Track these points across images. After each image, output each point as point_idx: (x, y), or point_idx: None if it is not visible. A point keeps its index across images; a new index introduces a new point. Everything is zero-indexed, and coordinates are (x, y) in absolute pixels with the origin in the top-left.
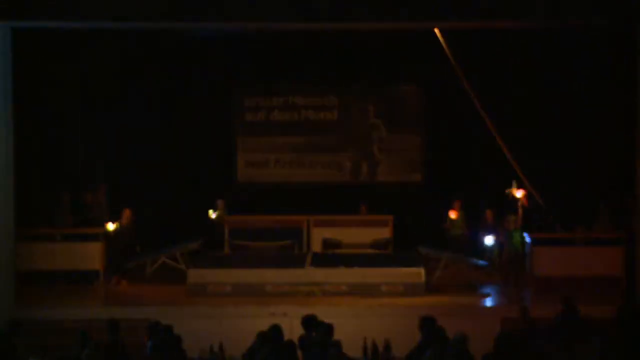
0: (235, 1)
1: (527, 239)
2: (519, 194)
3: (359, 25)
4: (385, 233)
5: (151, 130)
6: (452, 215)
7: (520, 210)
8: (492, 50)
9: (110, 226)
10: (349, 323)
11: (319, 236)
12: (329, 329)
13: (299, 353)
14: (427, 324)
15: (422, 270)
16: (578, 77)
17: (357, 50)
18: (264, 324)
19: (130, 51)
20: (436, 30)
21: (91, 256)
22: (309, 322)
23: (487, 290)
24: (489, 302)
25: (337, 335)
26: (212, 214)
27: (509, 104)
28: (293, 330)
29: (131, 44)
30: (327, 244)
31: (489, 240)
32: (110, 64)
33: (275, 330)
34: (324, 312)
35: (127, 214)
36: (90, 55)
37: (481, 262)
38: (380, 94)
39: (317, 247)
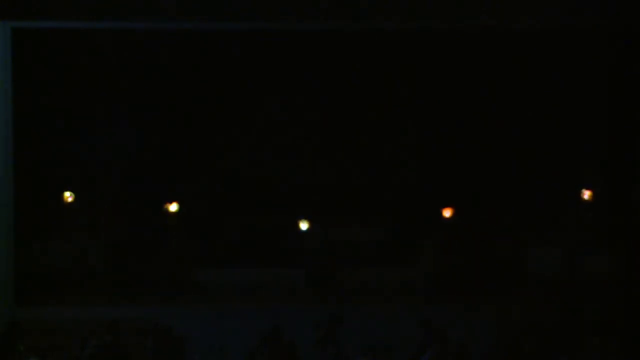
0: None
1: None
2: None
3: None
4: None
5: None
6: None
7: None
8: None
9: None
10: (349, 323)
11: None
12: (329, 329)
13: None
14: (427, 324)
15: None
16: None
17: None
18: (263, 324)
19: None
20: None
21: None
22: (310, 322)
23: None
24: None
25: (337, 334)
26: None
27: None
28: (293, 330)
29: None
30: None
31: None
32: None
33: (275, 330)
34: (324, 312)
35: None
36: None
37: None
38: None
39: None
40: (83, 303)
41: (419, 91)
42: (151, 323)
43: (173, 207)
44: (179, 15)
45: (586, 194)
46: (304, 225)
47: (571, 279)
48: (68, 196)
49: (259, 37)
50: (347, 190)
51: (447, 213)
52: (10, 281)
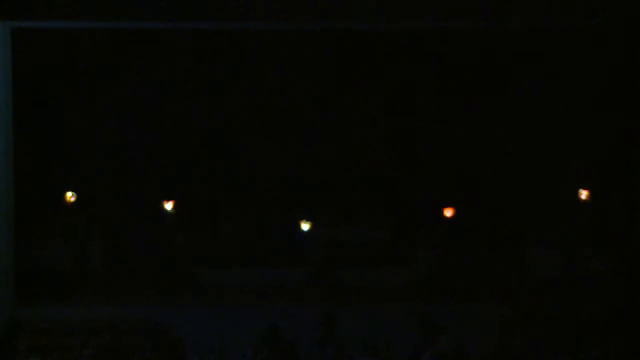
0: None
1: None
2: None
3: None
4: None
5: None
6: None
7: None
8: None
9: None
10: (349, 323)
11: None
12: (328, 328)
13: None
14: (427, 324)
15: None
16: None
17: None
18: (263, 324)
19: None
20: None
21: None
22: (310, 322)
23: None
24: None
25: (337, 334)
26: None
27: None
28: (293, 330)
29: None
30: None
31: None
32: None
33: (275, 330)
34: (324, 312)
35: None
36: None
37: None
38: None
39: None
40: (83, 303)
41: (419, 91)
42: (151, 323)
43: (173, 206)
44: (178, 15)
45: (584, 194)
46: (304, 225)
47: (571, 279)
48: (70, 196)
49: (258, 37)
50: (347, 191)
51: (447, 213)
52: (11, 281)
